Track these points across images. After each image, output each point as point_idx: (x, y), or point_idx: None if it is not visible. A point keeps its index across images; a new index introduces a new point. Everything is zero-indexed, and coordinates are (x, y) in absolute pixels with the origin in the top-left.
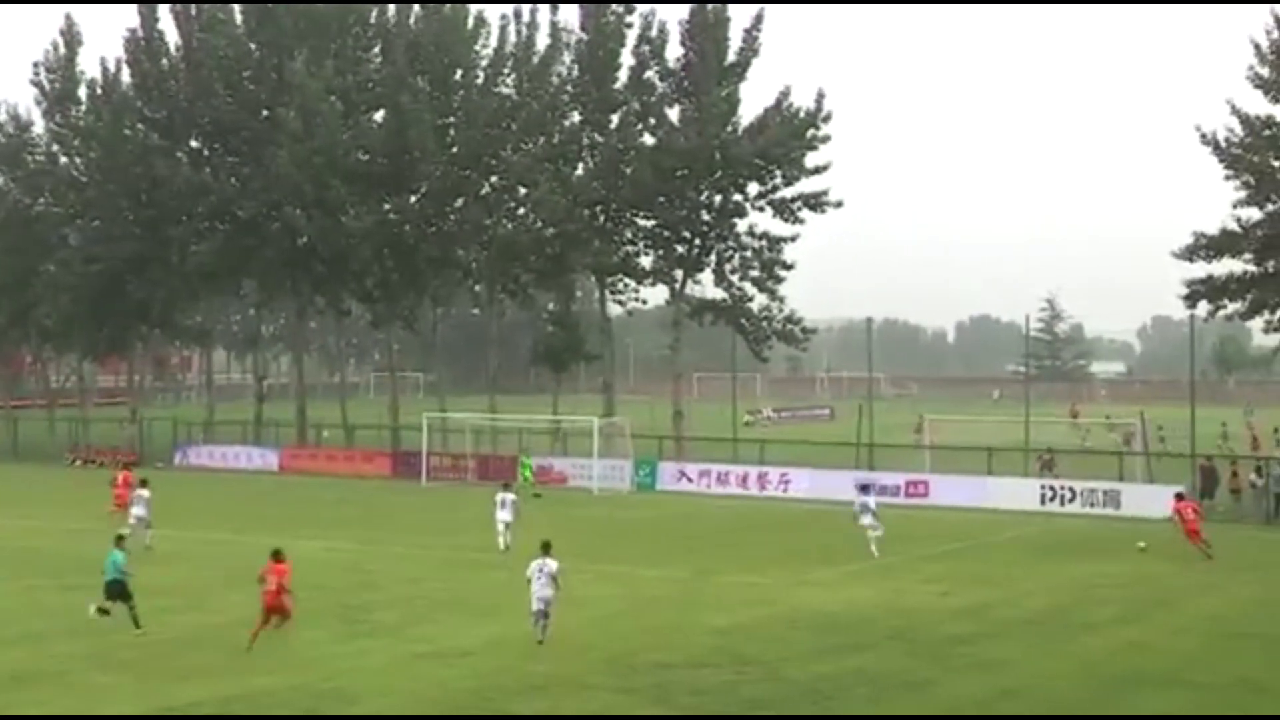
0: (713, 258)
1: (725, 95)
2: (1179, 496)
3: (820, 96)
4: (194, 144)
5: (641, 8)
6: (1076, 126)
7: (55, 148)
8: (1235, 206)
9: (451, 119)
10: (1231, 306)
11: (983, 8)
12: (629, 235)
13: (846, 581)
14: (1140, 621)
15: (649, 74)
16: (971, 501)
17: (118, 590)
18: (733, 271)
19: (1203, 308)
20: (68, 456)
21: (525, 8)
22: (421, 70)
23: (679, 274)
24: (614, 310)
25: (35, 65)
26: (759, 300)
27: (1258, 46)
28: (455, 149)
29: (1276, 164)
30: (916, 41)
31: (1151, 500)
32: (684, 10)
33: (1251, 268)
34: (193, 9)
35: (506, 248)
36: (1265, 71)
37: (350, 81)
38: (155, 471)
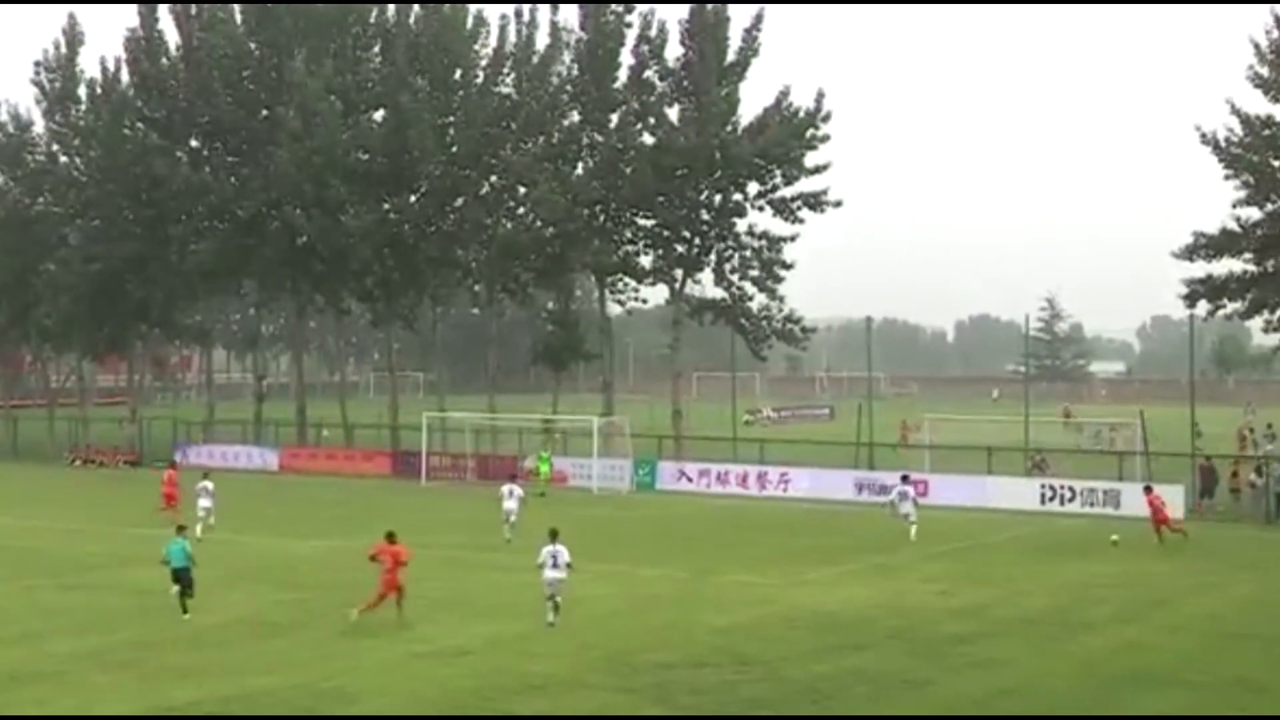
0: (712, 257)
1: (725, 95)
2: (1148, 489)
3: (820, 96)
4: (194, 143)
5: (641, 7)
6: (1076, 126)
7: (55, 147)
8: (1235, 206)
9: (451, 118)
10: (1231, 306)
11: (983, 8)
12: (629, 235)
13: (846, 581)
14: (1139, 621)
15: (649, 73)
16: (971, 501)
17: (183, 577)
18: (732, 271)
19: (1202, 307)
20: (67, 456)
21: (525, 7)
22: (421, 70)
23: (679, 273)
24: (614, 310)
25: (36, 65)
26: (758, 300)
27: (1257, 46)
28: (455, 148)
29: (1276, 164)
30: (916, 41)
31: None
32: (684, 10)
33: (1251, 267)
34: (192, 9)
35: (506, 247)
36: (1265, 71)
37: (350, 81)
38: (155, 471)
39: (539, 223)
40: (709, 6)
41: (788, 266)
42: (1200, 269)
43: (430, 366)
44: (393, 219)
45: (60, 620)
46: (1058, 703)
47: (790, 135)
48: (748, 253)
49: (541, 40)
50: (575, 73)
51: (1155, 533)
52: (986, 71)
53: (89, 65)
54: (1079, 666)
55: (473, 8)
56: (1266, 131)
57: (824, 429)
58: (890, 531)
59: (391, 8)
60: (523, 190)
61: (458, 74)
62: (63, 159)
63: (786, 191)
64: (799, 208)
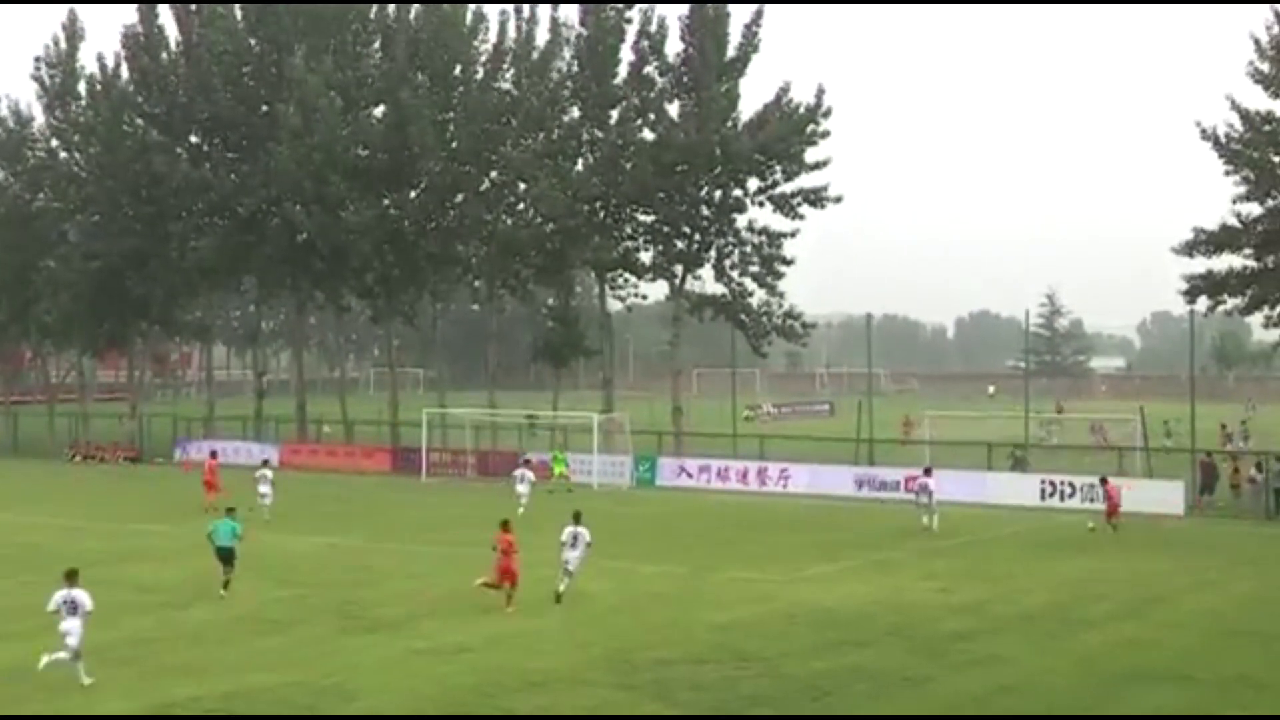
0: (712, 253)
1: (725, 91)
2: (1103, 481)
3: (820, 92)
4: (193, 140)
5: (641, 4)
6: (1077, 122)
7: (55, 143)
8: (1235, 202)
9: (451, 114)
10: (1231, 302)
11: (983, 6)
12: (629, 231)
13: (845, 577)
14: (1139, 618)
15: (649, 69)
16: (970, 497)
17: (226, 555)
18: (732, 267)
19: (1202, 303)
20: (68, 452)
21: (525, 4)
22: (421, 66)
23: (679, 269)
24: (614, 306)
25: (36, 60)
26: (759, 296)
27: (1257, 42)
28: (455, 144)
29: (1276, 159)
30: (917, 38)
31: (1151, 496)
32: (684, 6)
33: (1251, 263)
34: (192, 5)
35: (506, 243)
36: (1265, 67)
37: (350, 77)
38: (155, 467)
39: (539, 219)
40: (709, 3)
41: (788, 262)
42: (1200, 265)
43: (430, 363)
44: (393, 215)
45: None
46: (1057, 700)
47: (790, 131)
48: (748, 249)
49: (541, 36)
50: (575, 69)
51: (1106, 521)
52: (987, 68)
53: (89, 61)
54: (1079, 663)
55: (472, 4)
56: (1267, 127)
57: (824, 425)
58: (889, 528)
59: (391, 5)
60: (523, 186)
61: (458, 70)
62: (63, 155)
63: (787, 187)
64: (799, 204)
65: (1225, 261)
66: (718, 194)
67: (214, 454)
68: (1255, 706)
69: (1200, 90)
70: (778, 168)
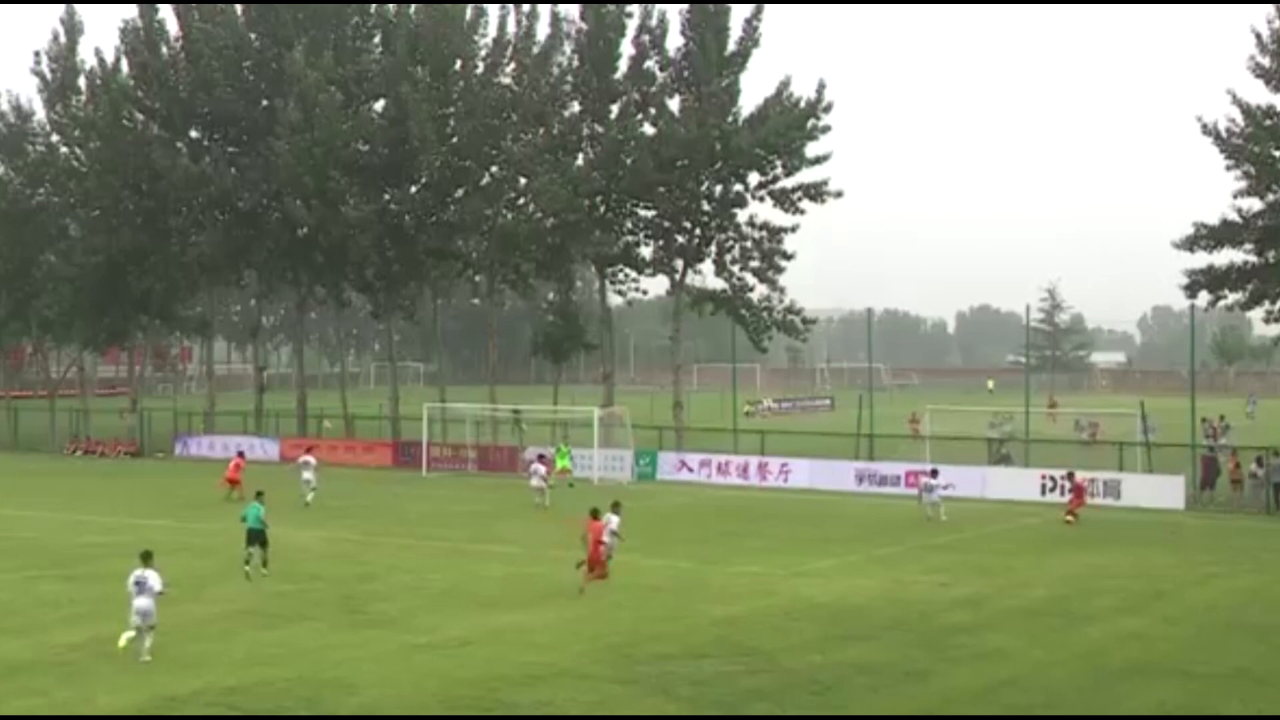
0: (713, 248)
1: (725, 85)
2: (1070, 475)
3: (821, 87)
4: (194, 135)
5: (641, 1)
6: (1078, 117)
7: (56, 138)
8: (1236, 197)
9: (451, 109)
10: (1232, 297)
11: (984, 3)
12: (629, 225)
13: (846, 572)
14: (1139, 612)
15: (649, 64)
16: (971, 492)
17: (258, 537)
18: (733, 262)
19: (1203, 298)
20: (68, 447)
21: (525, 1)
22: (421, 60)
23: (679, 264)
24: (614, 301)
25: (36, 55)
26: (759, 291)
27: (1259, 36)
28: (455, 139)
29: (1277, 154)
30: (917, 33)
31: (1152, 490)
32: (684, 2)
33: (1252, 258)
34: (193, 2)
35: (506, 238)
36: (1266, 61)
37: (350, 72)
38: (156, 462)
39: (539, 214)
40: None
41: (788, 257)
42: (1201, 260)
43: (431, 357)
44: (393, 210)
45: (62, 610)
46: (1058, 693)
47: (791, 126)
48: (748, 244)
49: (542, 31)
50: (576, 63)
51: (1070, 513)
52: (988, 63)
53: (90, 56)
54: (1079, 657)
55: (472, 1)
56: (1268, 122)
57: (824, 420)
58: (889, 522)
59: (392, 3)
60: (523, 181)
61: (458, 65)
62: (63, 150)
63: (787, 182)
64: (800, 199)
65: (1226, 256)
66: (718, 189)
67: (241, 453)
68: (1255, 700)
69: (1201, 85)
70: (778, 162)
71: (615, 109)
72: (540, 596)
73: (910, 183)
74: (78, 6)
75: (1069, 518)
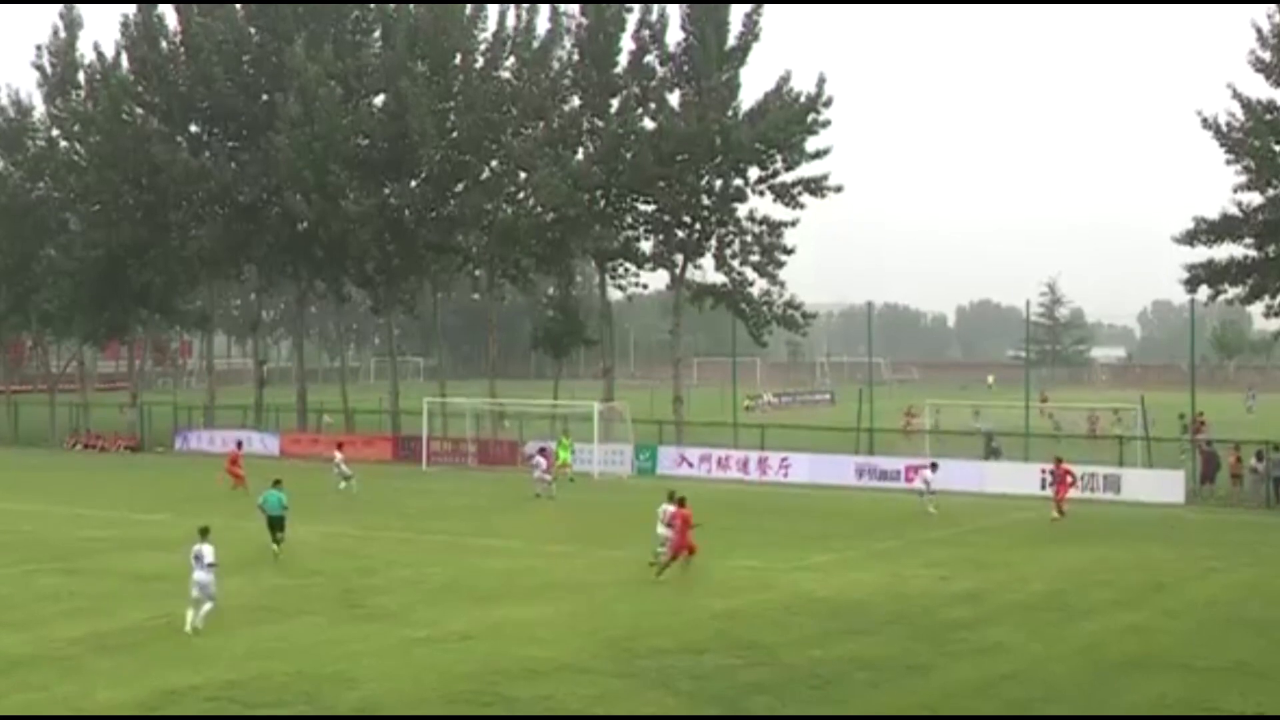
0: (713, 242)
1: (725, 80)
2: (1058, 460)
3: (821, 81)
4: (193, 129)
5: None
6: (1078, 111)
7: (56, 132)
8: (1236, 191)
9: (451, 104)
10: (1232, 291)
11: None
12: (629, 220)
13: (846, 566)
14: (1138, 606)
15: (649, 58)
16: (971, 486)
17: (278, 523)
18: (733, 256)
19: (1203, 292)
20: (68, 441)
21: None
22: (421, 55)
23: (679, 259)
24: (614, 295)
25: (37, 48)
26: (759, 285)
27: (1259, 30)
28: (455, 134)
29: (1278, 148)
30: (918, 27)
31: (1152, 485)
32: None
33: (1252, 252)
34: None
35: (506, 232)
36: (1267, 55)
37: (349, 66)
38: (156, 456)
39: (539, 208)
40: None
41: (788, 252)
42: (1201, 254)
43: (431, 352)
44: (393, 204)
45: (61, 605)
46: (1058, 687)
47: (791, 120)
48: (748, 238)
49: (542, 25)
50: (576, 58)
51: (1058, 509)
52: (988, 57)
53: (89, 51)
54: (1079, 651)
55: None
56: (1268, 116)
57: (825, 414)
58: (889, 516)
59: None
60: (523, 175)
61: (458, 59)
62: (63, 144)
63: (787, 176)
64: (800, 193)
65: (1226, 251)
66: (718, 183)
67: (239, 444)
68: (1255, 694)
69: (1202, 79)
70: (778, 157)
71: (615, 103)
72: (540, 590)
73: (911, 177)
74: (78, 1)
75: (1056, 515)
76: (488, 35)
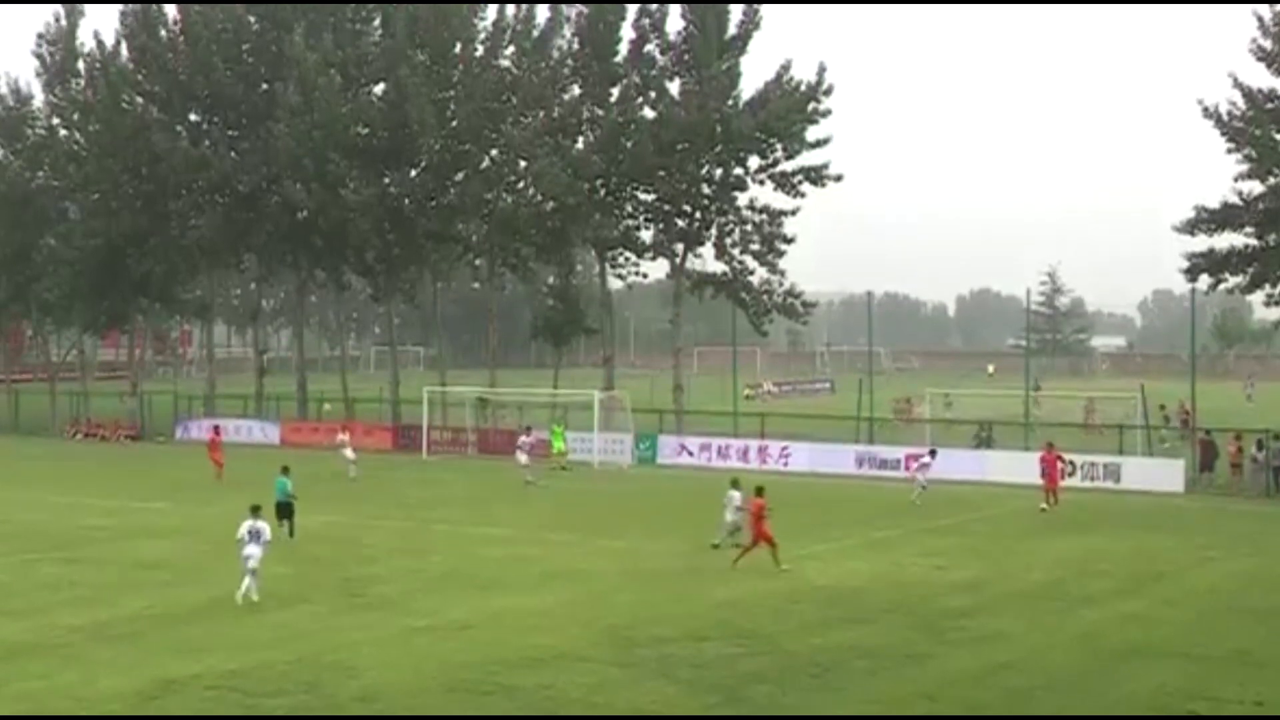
0: (713, 231)
1: (726, 69)
2: (1049, 446)
3: (821, 70)
4: (193, 118)
5: None
6: (1079, 100)
7: (55, 121)
8: (1237, 180)
9: (451, 92)
10: (1232, 280)
11: None
12: (629, 209)
13: (845, 555)
14: (1138, 595)
15: (649, 47)
16: (971, 475)
17: (286, 509)
18: (733, 245)
19: (1203, 281)
20: (69, 430)
21: None
22: (421, 44)
23: (679, 248)
24: (614, 284)
25: (37, 37)
26: (759, 274)
27: (1260, 19)
28: (455, 123)
29: (1278, 137)
30: (918, 15)
31: (1151, 474)
32: None
33: (1253, 241)
34: None
35: (506, 222)
36: (1268, 44)
37: (349, 55)
38: (156, 445)
39: (539, 197)
40: None
41: (789, 241)
42: (1202, 243)
43: (431, 341)
44: (393, 193)
45: (62, 593)
46: (1057, 676)
47: (791, 109)
48: (748, 227)
49: (542, 14)
50: (576, 46)
51: (1044, 496)
52: (989, 46)
53: (89, 39)
54: (1078, 640)
55: None
56: (1269, 105)
57: (825, 403)
58: (889, 505)
59: None
60: (523, 164)
61: (458, 48)
62: (62, 133)
63: (787, 166)
64: (800, 182)
65: (1227, 240)
66: (718, 172)
67: (216, 428)
68: (1254, 683)
69: (1203, 67)
70: (778, 146)
71: (615, 92)
72: (540, 579)
73: (911, 166)
74: None
75: (1045, 505)
76: (488, 24)
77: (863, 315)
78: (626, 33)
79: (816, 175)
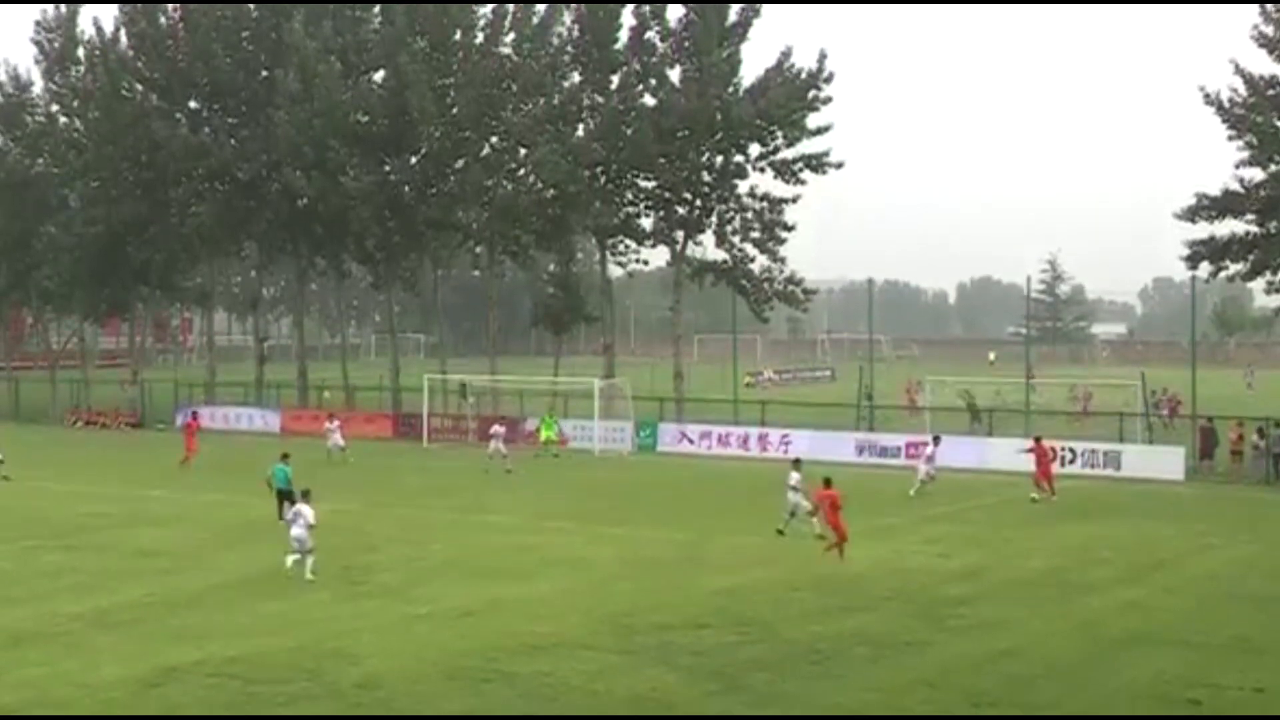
0: (714, 219)
1: (726, 56)
2: (1038, 440)
3: (822, 57)
4: (193, 105)
5: None
6: (1080, 87)
7: (55, 108)
8: (1238, 167)
9: (451, 80)
10: (1233, 268)
11: None
12: (629, 196)
13: (846, 542)
14: (1138, 582)
15: (650, 34)
16: (971, 463)
17: (287, 497)
18: (734, 233)
19: (1204, 269)
20: (69, 418)
21: None
22: (421, 31)
23: (680, 235)
24: (614, 272)
25: (36, 24)
26: (760, 261)
27: (1262, 5)
28: (455, 110)
29: None
30: (919, 4)
31: (1152, 462)
32: None
33: (1254, 229)
34: None
35: (507, 209)
36: (1270, 30)
37: (349, 42)
38: (157, 433)
39: (539, 184)
40: None
41: (789, 228)
42: (1203, 230)
43: (431, 329)
44: (393, 181)
45: (63, 581)
46: (1057, 663)
47: (792, 97)
48: (749, 214)
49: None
50: (576, 34)
51: (1034, 485)
52: (988, 33)
53: (89, 26)
54: (1078, 627)
55: None
56: (1271, 92)
57: (825, 391)
58: (890, 493)
59: None
60: (523, 152)
61: (458, 35)
62: (62, 120)
63: (788, 153)
64: (800, 169)
65: (1227, 227)
66: (719, 159)
67: (194, 415)
68: (1254, 670)
69: (1204, 54)
70: (779, 133)
71: (616, 80)
72: (540, 567)
73: (912, 154)
74: None
75: (1035, 495)
76: (487, 11)
77: (863, 303)
78: (627, 20)
79: (817, 163)
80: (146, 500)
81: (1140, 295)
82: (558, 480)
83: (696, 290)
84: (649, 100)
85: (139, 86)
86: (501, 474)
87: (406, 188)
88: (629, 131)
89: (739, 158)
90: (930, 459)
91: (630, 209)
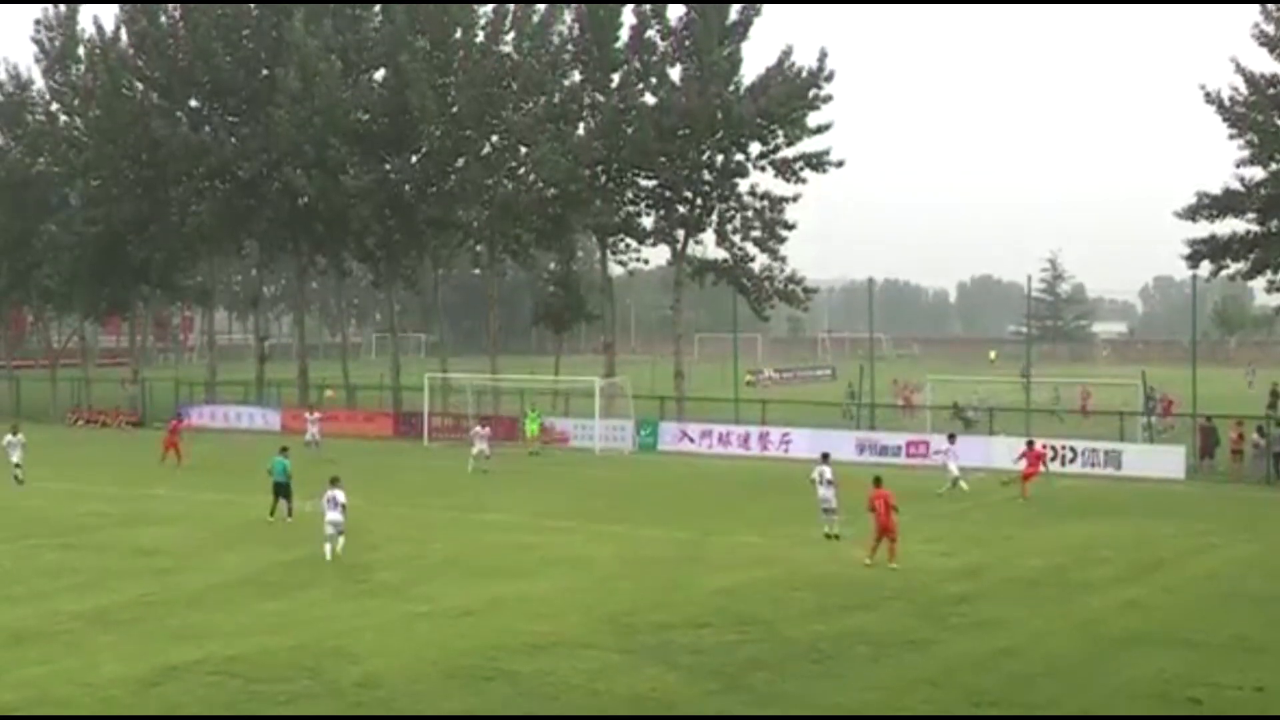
0: (714, 218)
1: (727, 54)
2: (1030, 444)
3: (822, 56)
4: (193, 104)
5: None
6: (1081, 86)
7: (55, 107)
8: (1239, 166)
9: (451, 78)
10: (1234, 266)
11: None
12: (630, 195)
13: (846, 541)
14: (1138, 581)
15: (650, 33)
16: (972, 462)
17: (283, 489)
18: (734, 232)
19: (1205, 268)
20: (70, 417)
21: None
22: (421, 29)
23: (680, 234)
24: (615, 271)
25: (36, 22)
26: (760, 260)
27: (1263, 4)
28: (455, 109)
29: None
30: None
31: (1152, 461)
32: None
33: (1254, 227)
34: None
35: (507, 208)
36: (1271, 29)
37: (349, 40)
38: (157, 431)
39: (540, 183)
40: None
41: (790, 227)
42: (1203, 229)
43: (432, 328)
44: (393, 179)
45: (64, 580)
46: (1056, 662)
47: (792, 95)
48: (749, 213)
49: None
50: (576, 32)
51: (1020, 483)
52: (990, 31)
53: (89, 24)
54: (1079, 626)
55: None
56: (1271, 90)
57: (826, 390)
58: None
59: None
60: (524, 151)
61: (458, 33)
62: (62, 119)
63: (788, 152)
64: (801, 168)
65: (1228, 226)
66: (719, 158)
67: (180, 416)
68: (1253, 669)
69: (1205, 53)
70: (779, 132)
71: (616, 78)
72: (541, 566)
73: (912, 153)
74: None
75: (1023, 487)
76: (488, 10)
77: (864, 301)
78: (627, 18)
79: (817, 161)
80: (147, 499)
81: (1141, 294)
82: (558, 479)
83: (697, 289)
84: (649, 99)
85: (139, 85)
86: (501, 474)
87: (407, 186)
88: (629, 130)
89: (739, 156)
90: (955, 455)
91: (631, 208)
